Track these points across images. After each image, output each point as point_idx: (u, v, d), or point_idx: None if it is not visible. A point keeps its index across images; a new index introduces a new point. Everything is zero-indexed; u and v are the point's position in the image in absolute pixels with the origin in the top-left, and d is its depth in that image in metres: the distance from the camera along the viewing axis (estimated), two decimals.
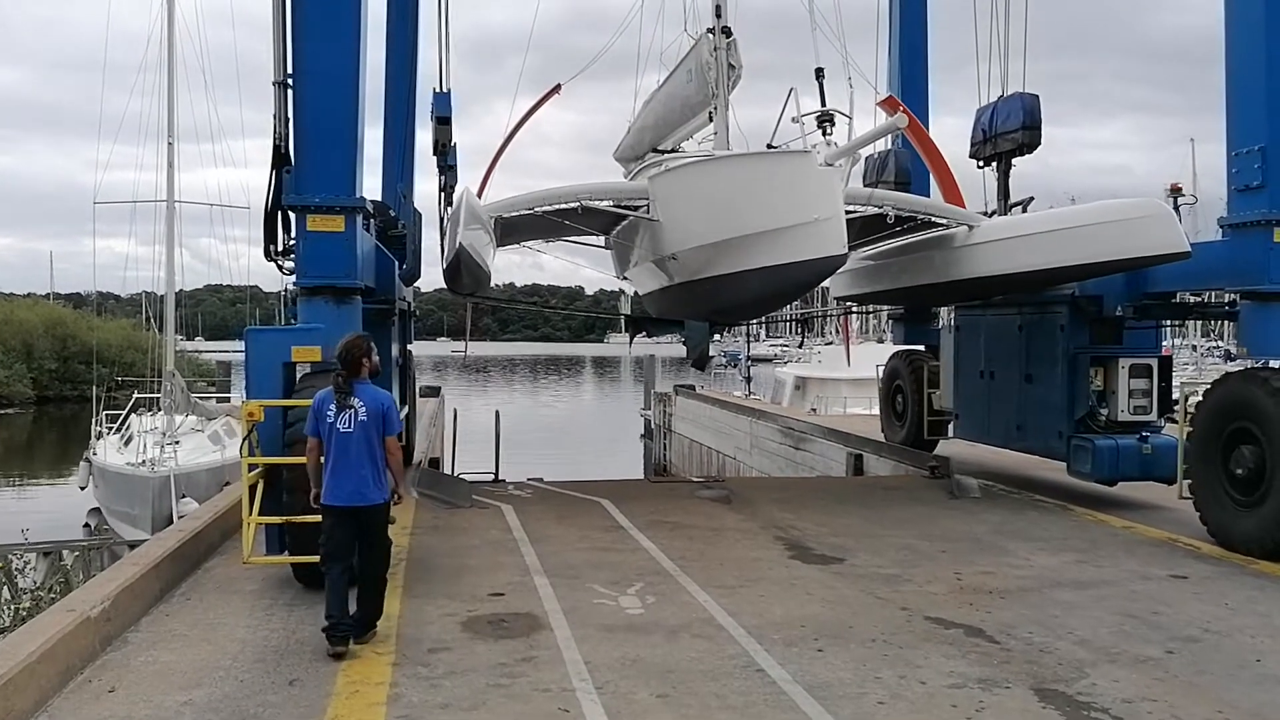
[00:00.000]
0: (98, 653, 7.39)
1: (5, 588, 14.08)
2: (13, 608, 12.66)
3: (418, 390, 22.73)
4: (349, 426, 7.70)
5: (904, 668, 7.18)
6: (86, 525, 29.56)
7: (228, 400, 39.84)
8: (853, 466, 19.85)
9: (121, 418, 33.44)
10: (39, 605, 12.29)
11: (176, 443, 28.84)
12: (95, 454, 30.68)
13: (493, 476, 17.37)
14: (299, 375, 9.96)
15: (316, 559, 7.93)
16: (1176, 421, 13.03)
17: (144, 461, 26.94)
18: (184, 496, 25.44)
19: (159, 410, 31.81)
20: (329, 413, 7.75)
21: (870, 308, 27.01)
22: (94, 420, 33.18)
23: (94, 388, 35.20)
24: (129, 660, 7.33)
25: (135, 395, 34.22)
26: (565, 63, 25.45)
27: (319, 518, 7.87)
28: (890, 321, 22.18)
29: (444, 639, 7.86)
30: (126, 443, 30.56)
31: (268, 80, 10.61)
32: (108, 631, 7.68)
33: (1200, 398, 11.96)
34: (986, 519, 12.94)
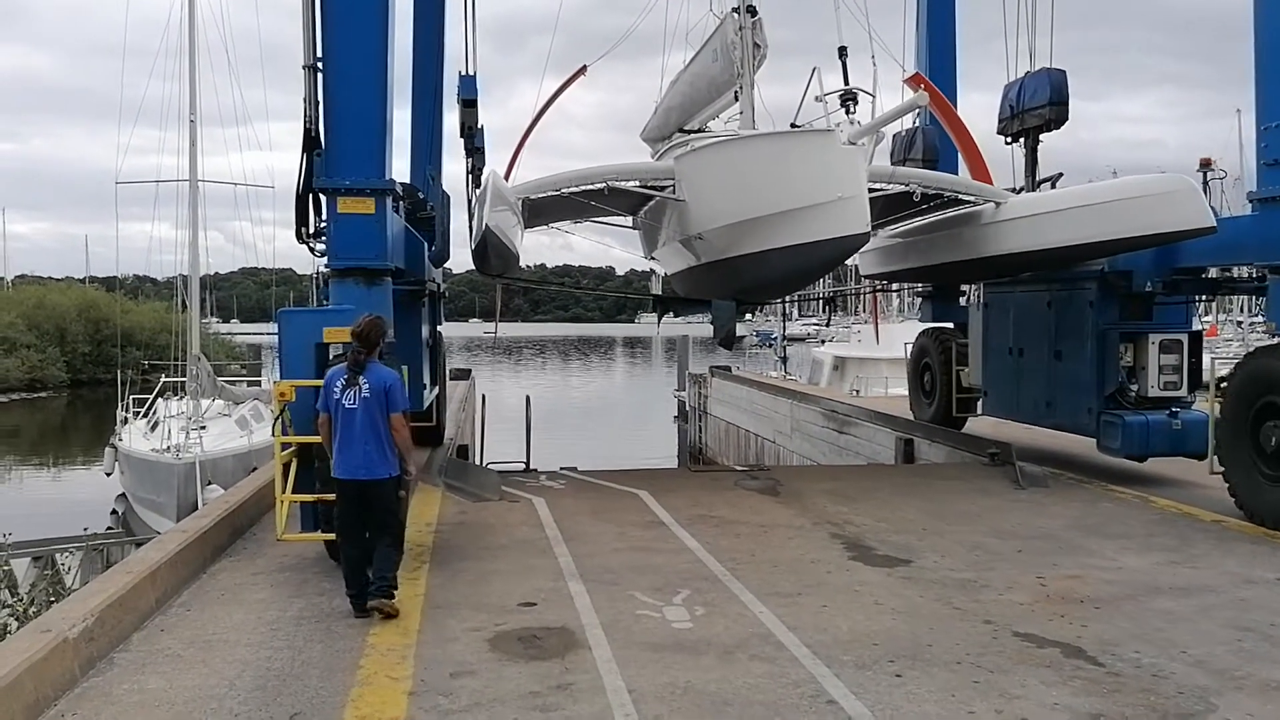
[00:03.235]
0: (77, 679, 6.52)
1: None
2: None
3: (448, 372, 21.98)
4: (353, 403, 8.04)
5: (999, 699, 6.18)
6: (114, 512, 29.10)
7: (258, 384, 39.16)
8: (903, 452, 18.78)
9: (148, 402, 32.83)
10: (27, 615, 11.43)
11: (203, 428, 28.20)
12: (121, 439, 30.09)
13: (524, 465, 16.59)
14: (331, 355, 9.74)
15: None
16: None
17: (169, 447, 26.27)
18: (209, 483, 24.76)
19: (185, 394, 31.18)
20: (336, 389, 8.13)
21: (902, 286, 26.67)
22: (119, 405, 32.60)
23: (119, 371, 34.57)
24: (111, 688, 6.45)
25: (162, 379, 33.62)
26: (590, 43, 24.94)
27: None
28: (919, 299, 21.82)
29: (468, 660, 6.94)
30: (153, 428, 29.92)
31: (293, 64, 10.64)
32: (90, 653, 6.80)
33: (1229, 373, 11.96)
34: (1060, 512, 11.89)
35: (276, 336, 9.98)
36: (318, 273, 12.69)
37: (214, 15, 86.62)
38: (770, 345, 59.92)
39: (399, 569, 8.24)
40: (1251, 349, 14.26)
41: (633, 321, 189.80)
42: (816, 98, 14.81)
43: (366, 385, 8.05)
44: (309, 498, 9.20)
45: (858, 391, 32.24)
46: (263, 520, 11.43)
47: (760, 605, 8.15)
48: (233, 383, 37.08)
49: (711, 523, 11.49)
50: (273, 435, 9.46)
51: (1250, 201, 12.09)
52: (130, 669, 6.80)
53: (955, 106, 18.28)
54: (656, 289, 21.46)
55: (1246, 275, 14.44)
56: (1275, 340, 12.04)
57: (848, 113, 15.38)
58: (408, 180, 15.80)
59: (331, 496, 8.49)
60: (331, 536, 8.91)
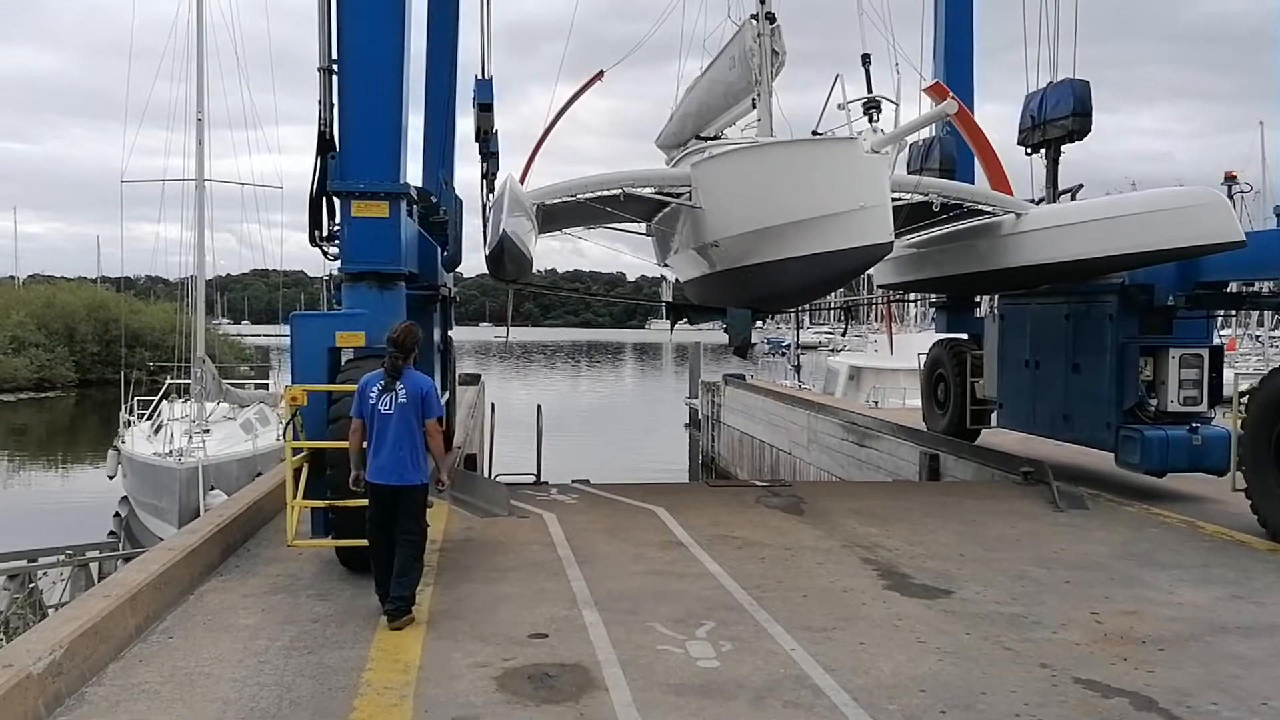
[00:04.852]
0: (41, 718, 5.90)
1: None
2: None
3: (457, 377, 21.45)
4: (389, 409, 8.00)
5: None
6: (117, 515, 28.59)
7: (265, 387, 38.57)
8: (927, 468, 18.10)
9: (153, 405, 32.25)
10: None
11: (207, 431, 27.60)
12: (124, 442, 29.51)
13: (534, 478, 15.97)
14: (344, 360, 9.94)
15: (361, 542, 8.29)
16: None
17: (172, 451, 25.66)
18: (213, 489, 24.11)
19: (190, 397, 30.58)
20: (372, 395, 8.07)
21: (917, 296, 26.40)
22: (123, 407, 32.02)
23: (123, 372, 34.00)
24: None
25: (168, 381, 33.05)
26: (600, 50, 24.72)
27: (364, 501, 8.17)
28: (933, 310, 21.52)
29: (473, 702, 6.28)
30: (156, 431, 29.32)
31: (302, 66, 10.76)
32: (58, 689, 6.17)
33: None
34: (1104, 538, 11.18)
35: (288, 339, 9.95)
36: (330, 275, 12.63)
37: (223, 18, 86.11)
38: (783, 353, 59.18)
39: (417, 585, 8.21)
40: (1275, 364, 13.87)
41: (643, 327, 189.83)
42: (839, 105, 14.36)
43: (403, 391, 8.02)
44: (320, 503, 9.15)
45: (876, 403, 31.59)
46: (258, 535, 10.86)
47: (791, 641, 7.48)
48: (240, 385, 36.49)
49: (733, 544, 10.82)
50: (283, 440, 9.35)
51: (1278, 215, 11.88)
52: (101, 707, 6.17)
53: (972, 115, 17.92)
54: (667, 295, 21.26)
55: (1268, 290, 14.25)
56: None
57: (871, 121, 15.01)
58: (420, 184, 15.58)
59: (343, 503, 8.58)
60: (343, 543, 8.98)
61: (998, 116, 17.71)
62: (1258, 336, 58.93)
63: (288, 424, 9.20)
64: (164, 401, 31.93)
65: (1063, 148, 15.87)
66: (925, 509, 12.96)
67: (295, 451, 9.07)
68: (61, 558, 14.76)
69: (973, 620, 8.08)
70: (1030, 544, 10.89)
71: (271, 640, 7.44)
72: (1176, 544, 10.96)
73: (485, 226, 15.00)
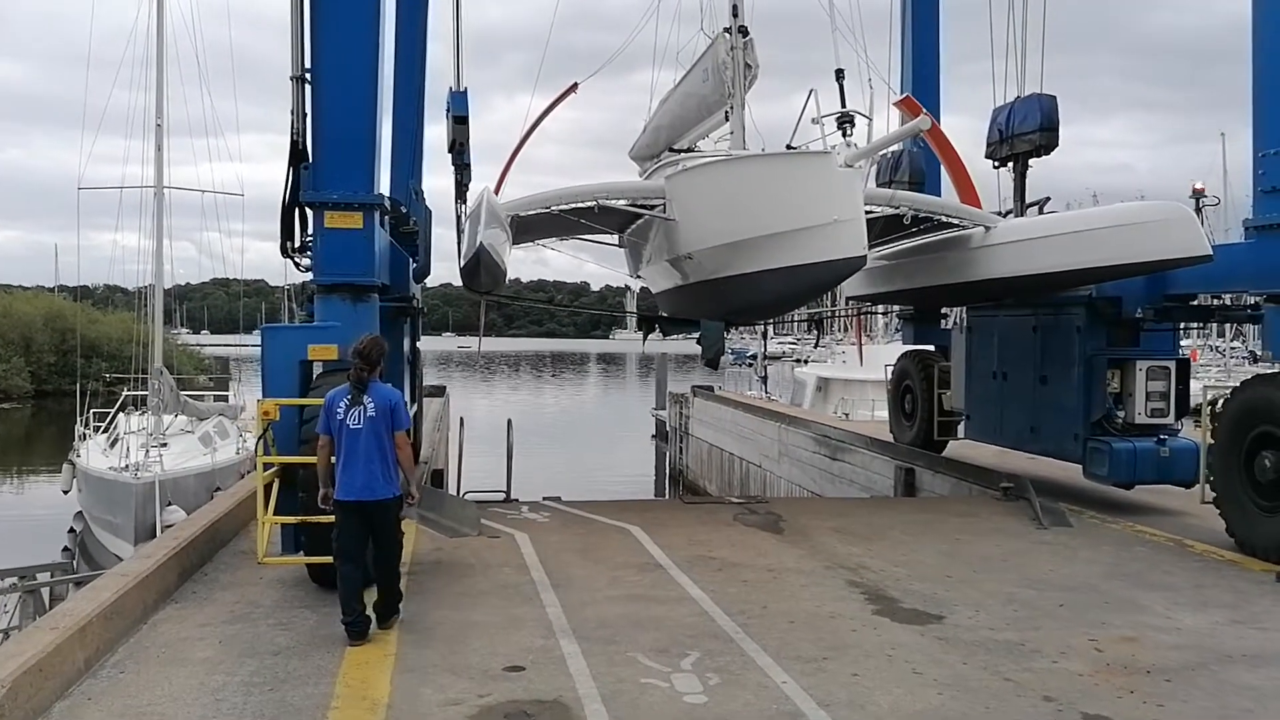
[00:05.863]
0: None
1: None
2: None
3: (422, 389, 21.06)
4: (358, 423, 7.82)
5: None
6: (71, 530, 27.86)
7: (225, 399, 37.79)
8: (903, 483, 17.84)
9: (109, 417, 31.46)
10: None
11: (164, 445, 26.91)
12: (79, 456, 28.74)
13: (504, 495, 15.58)
14: (315, 374, 9.79)
15: (331, 559, 8.09)
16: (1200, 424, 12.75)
17: (128, 465, 24.96)
18: (169, 504, 23.47)
19: (147, 409, 29.84)
20: (339, 410, 7.88)
21: (887, 308, 26.48)
22: (79, 419, 31.21)
23: (78, 383, 33.18)
24: None
25: (125, 393, 32.27)
26: (564, 60, 24.59)
27: (334, 517, 7.98)
28: (900, 321, 21.53)
29: None
30: (112, 444, 28.58)
31: (264, 74, 10.49)
32: None
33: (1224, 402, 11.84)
34: (1093, 558, 10.89)
35: (247, 350, 9.63)
36: (301, 286, 12.27)
37: (184, 24, 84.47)
38: (748, 364, 59.00)
39: (400, 583, 8.35)
40: (1239, 375, 13.93)
41: (607, 338, 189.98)
42: (813, 120, 14.32)
43: (371, 404, 7.86)
44: (291, 519, 8.98)
45: (846, 415, 31.36)
46: (216, 558, 10.38)
47: (782, 673, 7.09)
48: (198, 397, 35.72)
49: (713, 565, 10.45)
50: (255, 455, 9.19)
51: (1246, 228, 11.91)
52: None
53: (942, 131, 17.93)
54: (632, 305, 21.14)
55: (1231, 302, 14.37)
56: (1275, 369, 11.96)
57: (844, 135, 15.02)
58: (390, 194, 15.24)
59: (315, 519, 8.37)
60: (314, 560, 8.78)
61: (958, 128, 17.74)
62: (1217, 347, 59.61)
63: (259, 439, 9.02)
64: (120, 414, 31.21)
65: (1030, 162, 15.84)
66: (906, 527, 12.65)
67: (267, 467, 8.88)
68: (8, 584, 14.12)
69: (969, 648, 7.73)
70: (1017, 564, 10.59)
71: (230, 675, 6.98)
72: (1167, 564, 10.69)
73: (459, 238, 14.73)
